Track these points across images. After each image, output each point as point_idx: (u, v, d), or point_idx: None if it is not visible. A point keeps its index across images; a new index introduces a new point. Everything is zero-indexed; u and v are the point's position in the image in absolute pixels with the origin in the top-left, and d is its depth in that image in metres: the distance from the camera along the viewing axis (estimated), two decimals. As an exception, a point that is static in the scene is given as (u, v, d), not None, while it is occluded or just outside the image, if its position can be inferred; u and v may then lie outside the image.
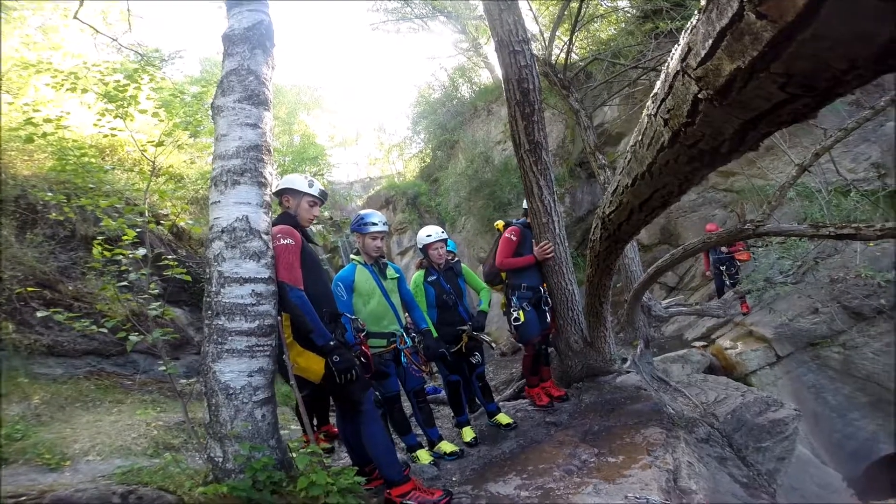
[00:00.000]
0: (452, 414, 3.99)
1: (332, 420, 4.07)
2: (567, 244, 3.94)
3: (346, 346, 2.56)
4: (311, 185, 2.73)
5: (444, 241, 3.77)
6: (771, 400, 5.28)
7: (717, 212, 8.33)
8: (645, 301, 4.75)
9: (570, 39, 5.85)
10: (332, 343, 2.45)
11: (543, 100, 3.54)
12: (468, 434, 3.71)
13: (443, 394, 4.96)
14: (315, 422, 3.94)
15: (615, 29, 9.20)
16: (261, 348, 2.33)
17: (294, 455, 2.35)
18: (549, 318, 3.91)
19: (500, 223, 4.16)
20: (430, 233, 3.76)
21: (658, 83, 1.07)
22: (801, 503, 5.12)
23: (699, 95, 0.83)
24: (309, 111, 20.50)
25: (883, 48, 0.54)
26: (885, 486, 7.22)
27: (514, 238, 3.87)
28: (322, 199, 2.78)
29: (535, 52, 6.71)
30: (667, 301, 5.21)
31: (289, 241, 2.48)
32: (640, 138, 1.30)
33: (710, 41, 0.75)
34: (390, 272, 3.27)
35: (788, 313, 5.95)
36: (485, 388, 4.04)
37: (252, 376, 2.28)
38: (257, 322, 2.31)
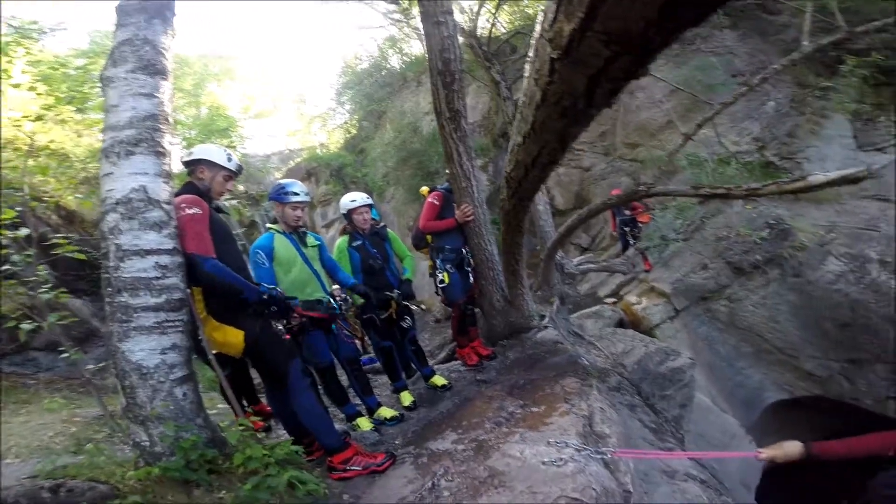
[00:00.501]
0: (390, 381, 4.07)
1: (265, 400, 3.97)
2: (486, 208, 4.12)
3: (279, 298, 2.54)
4: (229, 160, 2.61)
5: (370, 206, 3.78)
6: (669, 350, 5.90)
7: (623, 179, 9.03)
8: (558, 260, 5.12)
9: (496, 13, 5.94)
10: (264, 295, 2.42)
11: (470, 71, 3.62)
12: (407, 398, 3.82)
13: (379, 363, 5.06)
14: (246, 403, 3.86)
15: (543, 4, 9.40)
16: (171, 324, 2.23)
17: (225, 433, 2.32)
18: (472, 280, 4.11)
19: (425, 189, 4.25)
20: (355, 198, 3.76)
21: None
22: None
23: (552, 55, 0.95)
24: (219, 82, 19.00)
25: (663, 6, 0.67)
26: (775, 431, 8.39)
27: (436, 202, 3.99)
28: (238, 173, 2.68)
29: (462, 24, 6.71)
30: (578, 259, 5.64)
31: (195, 210, 2.36)
32: (524, 99, 1.42)
33: (555, 5, 0.86)
34: (310, 240, 3.24)
35: (682, 269, 6.72)
36: (418, 352, 4.16)
37: (165, 354, 2.20)
38: (164, 296, 2.21)
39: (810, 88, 7.88)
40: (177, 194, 2.43)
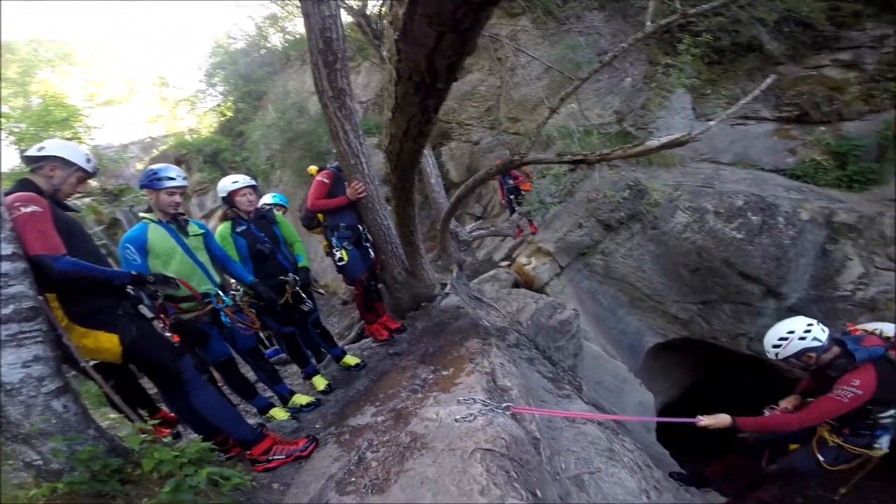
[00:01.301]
0: (299, 368, 4.00)
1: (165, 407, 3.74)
2: (379, 183, 4.19)
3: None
4: (88, 161, 2.38)
5: (253, 187, 3.64)
6: (556, 304, 6.56)
7: (507, 151, 9.73)
8: (453, 229, 5.42)
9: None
10: (134, 273, 2.32)
11: (361, 50, 3.56)
12: (320, 383, 3.80)
13: (284, 354, 4.93)
14: (146, 413, 3.53)
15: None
16: (27, 335, 2.02)
17: (125, 441, 2.19)
18: (372, 255, 4.18)
19: (313, 168, 4.19)
20: (237, 179, 3.59)
21: (387, 29, 1.30)
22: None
23: (394, 37, 1.08)
24: (54, 68, 16.18)
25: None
26: (657, 371, 9.35)
27: (326, 181, 3.96)
28: (94, 174, 2.46)
29: (352, 3, 6.52)
30: (470, 227, 6.04)
31: (32, 208, 2.10)
32: (387, 77, 1.53)
33: (390, -10, 0.98)
34: (193, 228, 3.02)
35: (562, 230, 7.52)
36: (324, 333, 4.12)
37: (29, 367, 2.01)
38: (12, 306, 1.98)
39: (659, 66, 9.10)
40: (7, 193, 2.14)
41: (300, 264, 3.81)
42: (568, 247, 7.49)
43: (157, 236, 2.83)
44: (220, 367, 3.18)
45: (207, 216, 12.36)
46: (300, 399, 3.54)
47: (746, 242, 6.83)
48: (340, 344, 4.74)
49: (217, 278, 3.11)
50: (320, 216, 4.10)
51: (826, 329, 3.14)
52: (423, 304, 4.93)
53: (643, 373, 8.55)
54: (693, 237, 7.11)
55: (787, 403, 3.49)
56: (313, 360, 4.11)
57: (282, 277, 3.64)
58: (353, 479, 2.55)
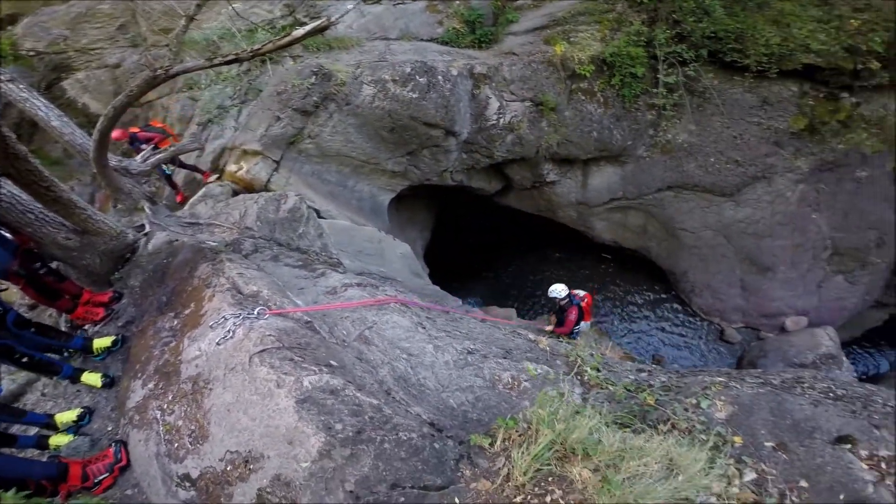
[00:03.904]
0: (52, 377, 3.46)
1: None
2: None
3: None
4: None
5: None
6: (277, 196, 6.62)
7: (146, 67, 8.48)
8: (117, 165, 4.71)
9: None
10: None
11: None
12: (94, 378, 3.38)
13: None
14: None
15: None
16: None
17: None
18: (10, 236, 3.38)
19: None
20: None
21: None
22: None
23: None
24: None
25: None
26: (403, 222, 10.74)
27: None
28: None
29: None
30: (140, 156, 5.29)
31: None
32: None
33: None
34: None
35: (262, 127, 7.32)
36: (42, 329, 3.47)
37: None
38: None
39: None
40: None
41: None
42: (274, 141, 7.42)
43: None
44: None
45: None
46: (68, 416, 3.19)
47: (421, 99, 8.14)
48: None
49: None
50: None
51: (566, 290, 6.90)
52: (125, 257, 4.40)
53: (393, 228, 9.95)
54: (381, 104, 8.00)
55: (550, 325, 7.08)
56: (58, 359, 3.45)
57: None
58: (175, 445, 2.63)
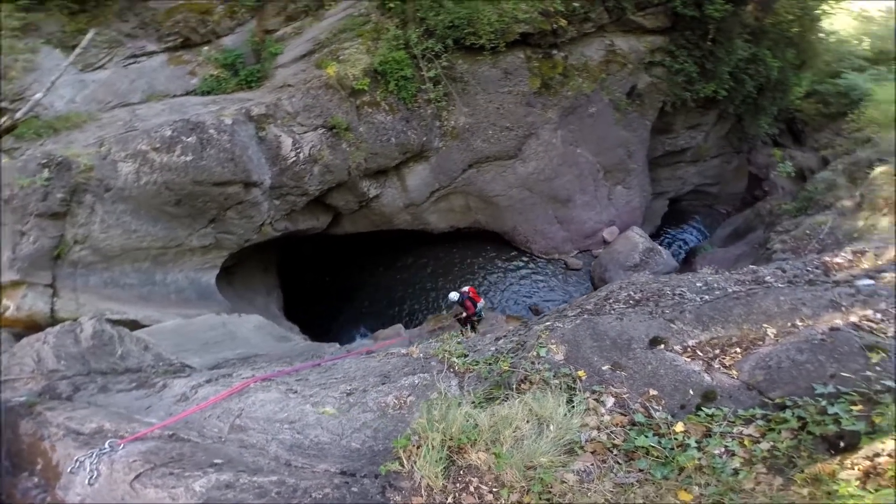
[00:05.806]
0: None
1: None
2: None
3: None
4: None
5: None
6: (69, 326, 5.45)
7: None
8: None
9: None
10: None
11: None
12: None
13: None
14: None
15: None
16: None
17: None
18: None
19: None
20: None
21: None
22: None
23: None
24: None
25: None
26: (241, 292, 9.82)
27: None
28: None
29: None
30: None
31: None
32: None
33: None
34: None
35: (9, 249, 5.77)
36: None
37: None
38: None
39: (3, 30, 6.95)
40: None
41: None
42: (31, 262, 5.99)
43: None
44: None
45: None
46: None
47: (198, 160, 7.36)
48: None
49: None
50: None
51: (457, 294, 9.08)
52: None
53: (236, 304, 9.02)
54: (150, 178, 7.02)
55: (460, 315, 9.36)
56: None
57: None
58: None
